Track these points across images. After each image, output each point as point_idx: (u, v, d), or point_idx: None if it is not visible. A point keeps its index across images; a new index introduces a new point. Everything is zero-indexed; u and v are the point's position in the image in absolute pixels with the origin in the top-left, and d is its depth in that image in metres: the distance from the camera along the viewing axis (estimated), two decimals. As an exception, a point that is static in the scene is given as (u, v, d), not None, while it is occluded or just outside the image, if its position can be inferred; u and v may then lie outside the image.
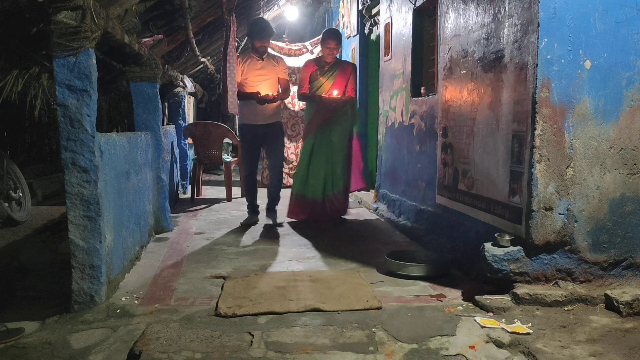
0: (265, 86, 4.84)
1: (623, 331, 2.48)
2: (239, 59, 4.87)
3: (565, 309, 2.72)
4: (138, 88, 4.43)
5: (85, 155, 2.69)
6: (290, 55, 7.67)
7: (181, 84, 6.55)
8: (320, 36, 5.16)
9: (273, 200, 5.07)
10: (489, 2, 3.22)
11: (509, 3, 2.99)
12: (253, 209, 5.13)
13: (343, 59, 7.93)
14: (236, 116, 8.38)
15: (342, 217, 5.14)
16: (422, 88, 4.62)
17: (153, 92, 4.46)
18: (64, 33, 2.59)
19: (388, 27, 5.50)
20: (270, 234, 4.66)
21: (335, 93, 4.91)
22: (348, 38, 7.48)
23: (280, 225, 4.91)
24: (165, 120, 6.76)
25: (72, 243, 2.71)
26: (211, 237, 4.50)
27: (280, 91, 4.95)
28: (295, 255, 3.90)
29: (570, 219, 2.82)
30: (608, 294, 2.73)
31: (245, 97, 4.84)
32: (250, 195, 5.10)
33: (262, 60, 4.91)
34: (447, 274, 3.37)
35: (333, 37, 4.96)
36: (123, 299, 2.93)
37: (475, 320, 2.60)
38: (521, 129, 2.88)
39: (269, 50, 5.28)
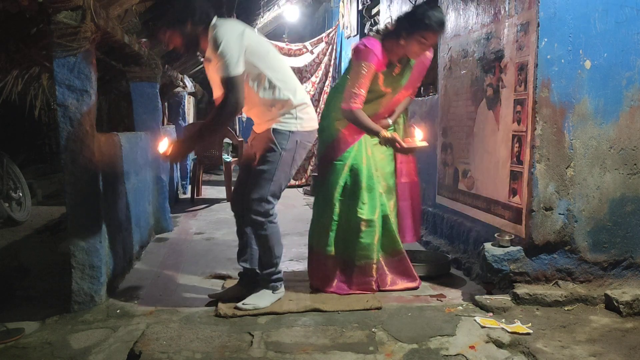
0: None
1: (623, 331, 2.48)
2: None
3: (565, 309, 2.72)
4: (138, 88, 4.43)
5: (85, 155, 2.69)
6: (290, 56, 7.66)
7: (181, 84, 6.56)
8: (407, 17, 2.87)
9: (264, 269, 2.82)
10: (489, 2, 3.22)
11: (509, 3, 2.99)
12: (241, 276, 2.95)
13: (343, 59, 7.95)
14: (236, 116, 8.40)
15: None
16: (423, 88, 4.62)
17: (153, 92, 4.46)
18: (64, 33, 2.59)
19: (388, 27, 5.50)
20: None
21: (390, 126, 3.05)
22: (348, 38, 7.48)
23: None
24: (165, 120, 6.76)
25: (72, 243, 2.71)
26: (211, 237, 4.50)
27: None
28: (296, 255, 3.90)
29: (570, 219, 2.82)
30: (608, 294, 2.73)
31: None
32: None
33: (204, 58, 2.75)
34: (447, 274, 3.37)
35: (442, 27, 2.85)
36: (123, 299, 2.92)
37: (475, 320, 2.60)
38: (521, 129, 2.87)
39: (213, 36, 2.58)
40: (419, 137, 2.86)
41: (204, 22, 2.53)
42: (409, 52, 2.88)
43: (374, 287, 3.01)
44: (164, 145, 2.64)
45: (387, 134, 2.84)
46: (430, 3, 2.89)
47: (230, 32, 2.47)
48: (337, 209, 3.00)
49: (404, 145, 2.80)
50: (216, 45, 2.44)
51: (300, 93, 2.75)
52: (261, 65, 2.60)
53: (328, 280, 3.03)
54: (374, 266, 3.00)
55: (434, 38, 2.86)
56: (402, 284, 3.09)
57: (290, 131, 2.68)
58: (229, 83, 2.47)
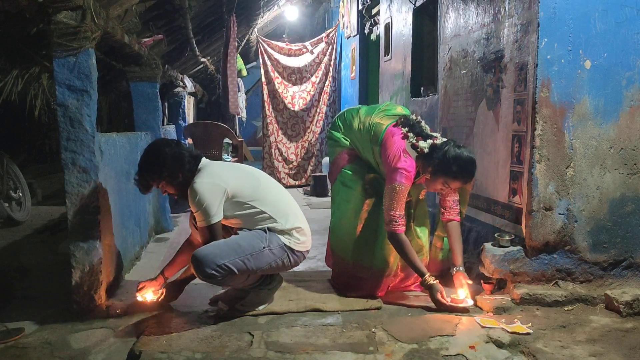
0: None
1: (623, 331, 2.48)
2: None
3: (565, 309, 2.72)
4: (138, 88, 4.43)
5: (85, 155, 2.69)
6: (290, 55, 7.66)
7: (181, 84, 6.56)
8: (440, 155, 2.72)
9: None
10: (489, 2, 3.22)
11: (509, 3, 2.99)
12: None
13: (342, 60, 7.96)
14: (236, 116, 8.40)
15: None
16: (423, 88, 4.62)
17: (153, 92, 4.46)
18: (64, 33, 2.59)
19: (388, 27, 5.50)
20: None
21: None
22: (348, 38, 7.48)
23: None
24: (165, 120, 6.77)
25: (72, 243, 2.71)
26: (211, 237, 4.49)
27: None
28: (295, 255, 3.90)
29: (570, 219, 2.82)
30: (608, 294, 2.73)
31: None
32: None
33: None
34: (447, 274, 3.36)
35: (470, 176, 2.77)
36: (123, 298, 2.92)
37: (475, 320, 2.60)
38: (521, 129, 2.87)
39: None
40: (461, 296, 2.74)
41: (193, 172, 2.62)
42: (428, 185, 2.84)
43: (385, 290, 2.98)
44: (150, 295, 2.74)
45: (430, 280, 2.73)
46: (461, 147, 2.74)
47: (207, 187, 2.53)
48: (358, 217, 2.99)
49: (445, 301, 2.69)
50: (193, 199, 2.53)
51: (294, 217, 2.71)
52: (249, 201, 2.61)
53: (349, 287, 2.97)
54: (391, 273, 2.97)
55: (458, 186, 2.81)
56: (409, 284, 3.07)
57: (282, 244, 2.62)
58: (207, 231, 2.55)
